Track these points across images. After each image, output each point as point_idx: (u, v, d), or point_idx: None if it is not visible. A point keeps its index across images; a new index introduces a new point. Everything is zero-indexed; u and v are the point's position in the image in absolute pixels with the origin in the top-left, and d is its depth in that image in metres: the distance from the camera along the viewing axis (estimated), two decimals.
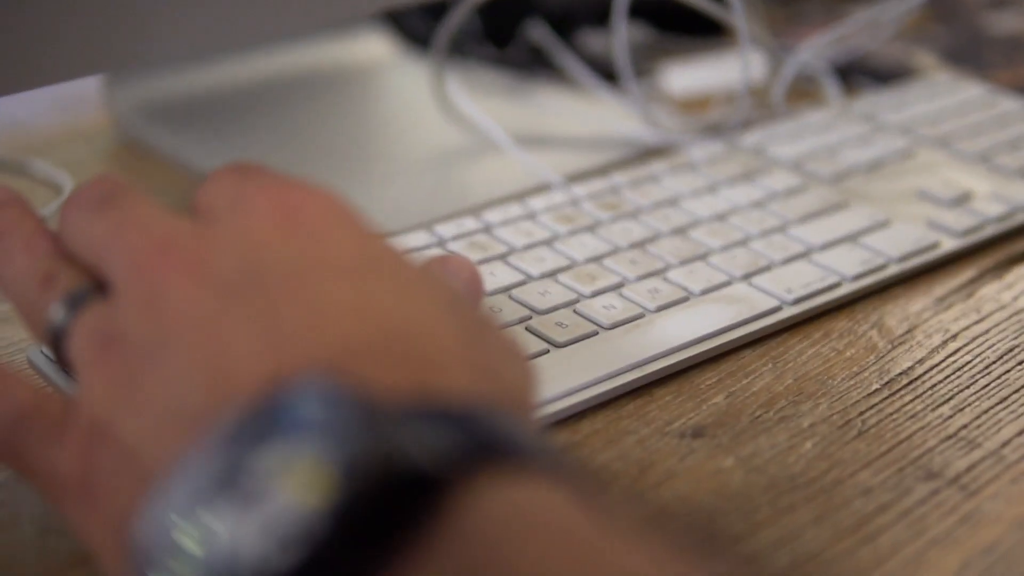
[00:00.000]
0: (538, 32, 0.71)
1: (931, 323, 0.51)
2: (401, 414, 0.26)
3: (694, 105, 0.70)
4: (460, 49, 0.73)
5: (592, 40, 0.75)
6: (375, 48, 0.75)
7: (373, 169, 0.63)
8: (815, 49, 0.70)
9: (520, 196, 0.57)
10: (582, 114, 0.67)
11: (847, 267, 0.52)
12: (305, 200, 0.33)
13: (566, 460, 0.29)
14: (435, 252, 0.51)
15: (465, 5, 0.61)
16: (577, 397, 0.44)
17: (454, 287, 0.34)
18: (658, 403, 0.45)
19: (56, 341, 0.33)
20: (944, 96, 0.69)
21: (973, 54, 0.78)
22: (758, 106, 0.67)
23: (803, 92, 0.71)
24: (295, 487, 0.24)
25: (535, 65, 0.72)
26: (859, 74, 0.75)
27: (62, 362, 0.33)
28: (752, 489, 0.41)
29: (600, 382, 0.45)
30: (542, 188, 0.59)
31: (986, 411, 0.45)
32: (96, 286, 0.33)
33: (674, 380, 0.46)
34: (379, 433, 0.25)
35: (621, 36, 0.63)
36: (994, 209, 0.57)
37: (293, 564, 0.23)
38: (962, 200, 0.58)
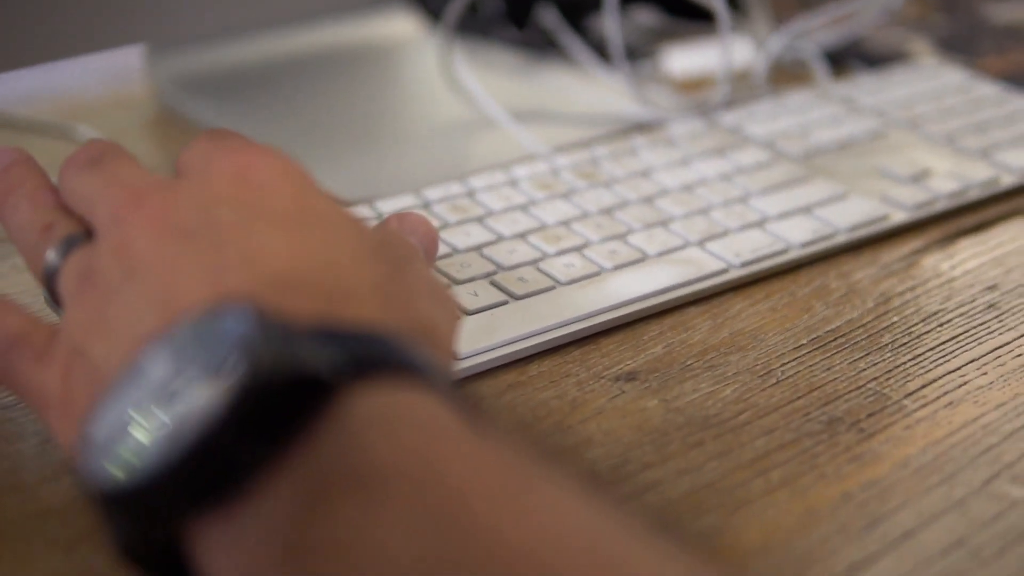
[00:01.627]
0: (549, 16, 0.77)
1: (868, 288, 0.55)
2: (308, 333, 0.32)
3: (693, 85, 0.75)
4: (483, 30, 0.79)
5: (604, 24, 0.80)
6: (400, 26, 0.81)
7: (381, 139, 0.69)
8: (798, 32, 0.75)
9: (507, 165, 0.62)
10: (581, 92, 0.73)
11: (797, 235, 0.57)
12: (259, 161, 0.39)
13: (455, 385, 0.34)
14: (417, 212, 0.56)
15: None
16: (528, 343, 0.50)
17: (381, 236, 0.39)
18: (602, 351, 0.50)
19: (50, 280, 0.39)
20: (924, 81, 0.73)
21: (968, 42, 0.82)
22: (748, 87, 0.72)
23: (795, 74, 0.76)
24: (209, 387, 0.30)
25: (547, 46, 0.77)
26: (853, 57, 0.79)
27: (54, 297, 0.39)
28: (669, 426, 0.46)
29: (550, 330, 0.50)
30: (531, 158, 0.64)
31: (898, 366, 0.50)
32: (87, 233, 0.39)
33: (620, 331, 0.52)
34: (283, 346, 0.31)
35: (614, 19, 0.68)
36: (948, 186, 0.62)
37: (194, 448, 0.29)
38: (919, 177, 0.62)
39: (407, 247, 0.41)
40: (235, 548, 0.29)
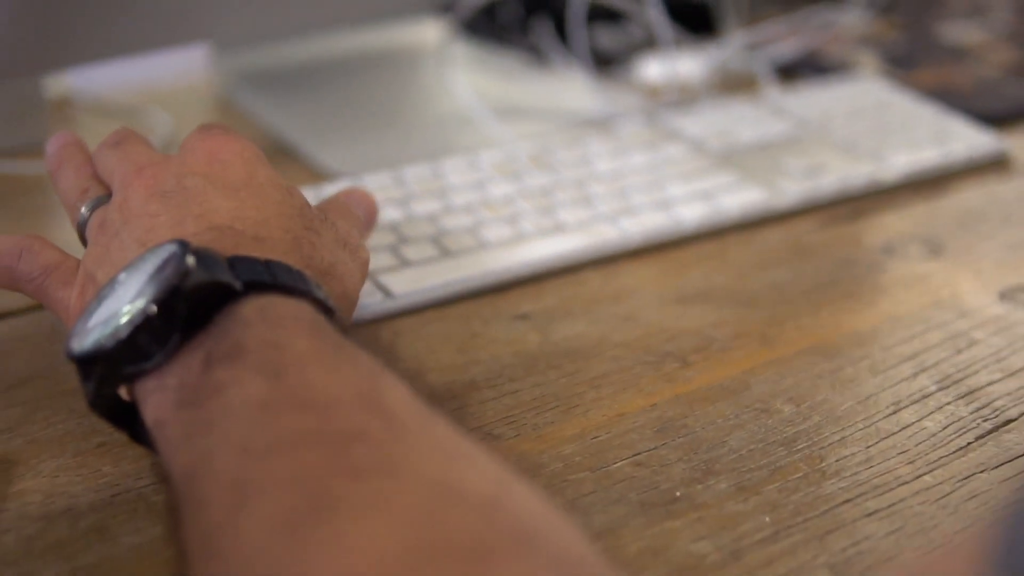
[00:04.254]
0: (544, 26, 0.92)
1: (741, 260, 0.69)
2: (228, 260, 0.48)
3: (658, 90, 0.89)
4: (498, 35, 0.94)
5: (600, 34, 0.94)
6: (427, 33, 0.97)
7: (393, 125, 0.84)
8: (745, 44, 0.89)
9: (480, 152, 0.77)
10: (559, 92, 0.87)
11: (693, 215, 0.72)
12: (225, 146, 0.55)
13: (335, 309, 0.50)
14: (384, 189, 0.72)
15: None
16: (451, 289, 0.65)
17: (303, 202, 0.55)
18: (508, 299, 0.65)
19: (82, 228, 0.56)
20: (851, 92, 0.86)
21: (913, 58, 0.95)
22: (702, 92, 0.86)
23: (749, 82, 0.90)
24: (153, 291, 0.46)
25: (543, 52, 0.93)
26: (808, 68, 0.93)
27: (83, 241, 0.56)
28: (539, 353, 0.61)
29: (471, 280, 0.66)
30: (498, 146, 0.79)
31: (739, 318, 0.64)
32: (109, 195, 0.56)
33: (528, 284, 0.66)
34: (206, 266, 0.46)
35: (581, 32, 0.83)
36: (832, 180, 0.75)
37: (135, 329, 0.45)
38: (811, 173, 0.76)
39: (333, 212, 0.57)
40: (154, 396, 0.45)
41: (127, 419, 0.47)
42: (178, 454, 0.42)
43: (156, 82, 0.90)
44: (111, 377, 0.45)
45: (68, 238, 0.57)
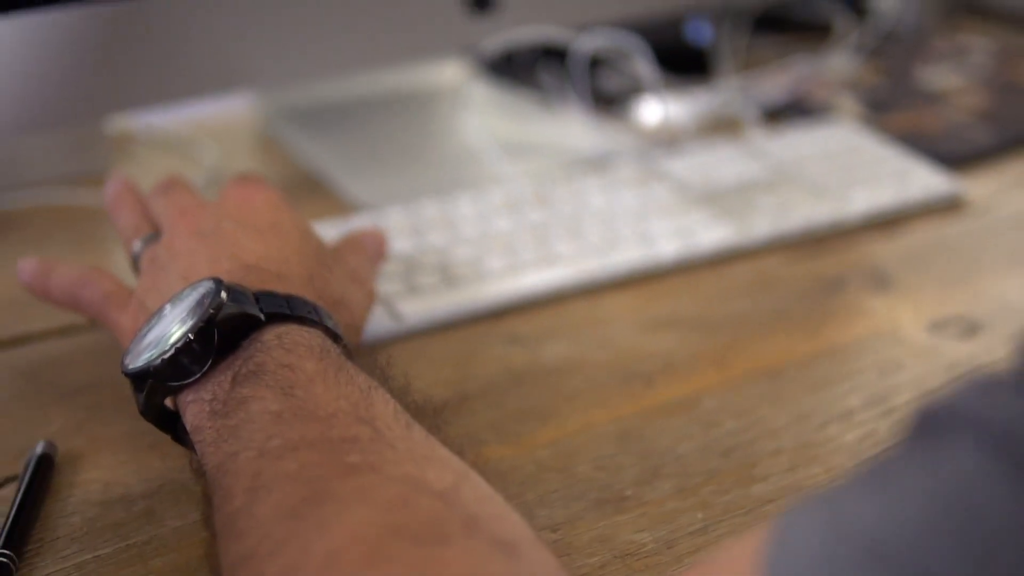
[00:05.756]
0: (552, 69, 1.02)
1: (711, 291, 0.80)
2: (255, 295, 0.59)
3: (654, 131, 0.99)
4: (518, 76, 1.05)
5: (605, 77, 1.04)
6: (454, 74, 1.08)
7: (416, 159, 0.95)
8: (731, 90, 0.99)
9: (486, 187, 0.88)
10: (563, 131, 0.98)
11: (669, 250, 0.82)
12: (255, 194, 0.66)
13: (341, 336, 0.60)
14: (401, 221, 0.83)
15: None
16: (454, 314, 0.75)
17: (320, 243, 0.66)
18: (504, 322, 0.76)
19: (136, 261, 0.67)
20: (825, 135, 0.95)
21: (891, 102, 1.04)
22: (691, 134, 0.96)
23: (736, 125, 1.00)
24: (192, 319, 0.57)
25: (553, 93, 1.03)
26: (794, 111, 1.03)
27: (134, 269, 0.67)
28: (525, 370, 0.70)
29: (472, 307, 0.76)
30: (507, 181, 0.89)
31: (690, 341, 0.74)
32: (158, 234, 0.67)
33: (524, 310, 0.77)
34: (236, 300, 0.57)
35: (583, 76, 0.94)
36: (798, 220, 0.85)
37: (178, 352, 0.56)
38: (780, 212, 0.86)
39: (346, 249, 0.68)
40: (192, 406, 0.55)
41: (171, 424, 0.58)
42: (211, 454, 0.53)
43: (206, 117, 1.01)
44: (158, 390, 0.56)
45: (114, 260, 0.67)
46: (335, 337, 0.58)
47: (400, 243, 0.78)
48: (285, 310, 0.57)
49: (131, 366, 0.56)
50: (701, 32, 1.08)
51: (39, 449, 0.61)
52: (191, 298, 0.57)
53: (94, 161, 0.93)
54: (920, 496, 0.32)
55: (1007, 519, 0.30)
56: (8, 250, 0.83)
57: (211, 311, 0.55)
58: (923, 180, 0.89)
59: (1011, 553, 0.30)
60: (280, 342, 0.55)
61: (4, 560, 0.54)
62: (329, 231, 0.76)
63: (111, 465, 0.62)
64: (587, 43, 0.96)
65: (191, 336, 0.54)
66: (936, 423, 0.34)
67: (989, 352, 0.72)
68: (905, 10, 1.16)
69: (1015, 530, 0.30)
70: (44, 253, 0.77)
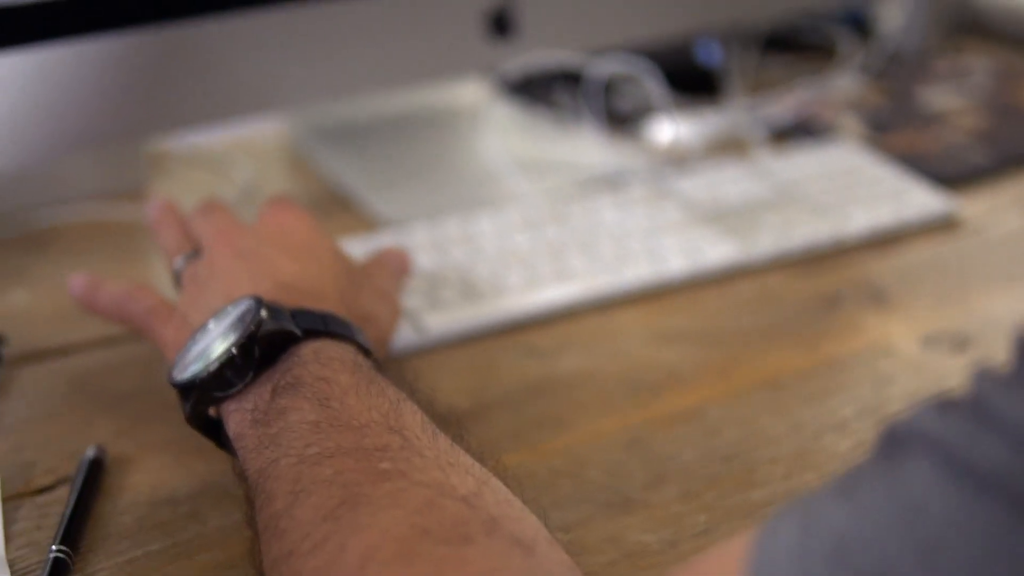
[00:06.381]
0: (569, 88, 1.07)
1: (710, 306, 0.85)
2: (291, 312, 0.64)
3: (665, 150, 1.04)
4: (537, 95, 1.10)
5: (618, 97, 1.09)
6: (474, 94, 1.13)
7: (439, 176, 1.00)
8: (739, 111, 1.04)
9: (505, 204, 0.93)
10: (579, 150, 1.02)
11: (678, 267, 0.87)
12: (290, 217, 0.71)
13: (372, 351, 0.65)
14: (424, 238, 0.88)
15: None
16: (475, 328, 0.80)
17: (351, 263, 0.71)
18: (522, 335, 0.81)
19: (177, 277, 0.72)
20: (827, 156, 0.99)
21: (893, 123, 1.09)
22: (701, 153, 1.01)
23: (744, 145, 1.05)
24: (235, 335, 0.62)
25: (570, 112, 1.08)
26: (800, 132, 1.07)
27: (176, 283, 0.72)
28: (541, 380, 0.75)
29: (492, 320, 0.81)
30: (524, 198, 0.94)
31: (696, 354, 0.79)
32: (198, 251, 0.72)
33: (542, 323, 0.82)
34: (274, 317, 0.62)
35: (598, 96, 0.99)
36: (800, 238, 0.90)
37: (222, 364, 0.61)
38: (783, 231, 0.91)
39: (373, 268, 0.73)
40: (235, 415, 0.61)
41: (214, 431, 0.63)
42: (253, 459, 0.58)
43: (239, 136, 1.06)
44: (203, 400, 0.61)
45: (151, 273, 0.72)
46: (365, 351, 0.63)
47: (423, 259, 0.83)
48: (320, 326, 0.62)
49: (179, 378, 0.61)
50: (711, 53, 1.13)
51: (90, 453, 0.66)
52: (233, 315, 0.62)
53: (132, 177, 0.98)
54: (882, 504, 0.37)
55: (953, 526, 0.35)
56: (51, 264, 0.88)
57: (252, 328, 0.60)
58: (920, 200, 0.94)
59: (955, 552, 0.35)
60: (316, 357, 0.60)
61: (62, 556, 0.60)
62: (356, 247, 0.81)
63: (157, 468, 0.67)
64: (601, 67, 1.01)
65: (234, 351, 0.59)
66: (898, 441, 0.39)
67: (976, 365, 0.76)
68: (908, 31, 1.20)
69: (959, 534, 0.35)
70: (84, 267, 0.82)
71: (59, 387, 0.74)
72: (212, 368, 0.59)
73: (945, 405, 0.38)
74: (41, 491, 0.65)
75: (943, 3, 1.26)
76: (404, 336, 0.77)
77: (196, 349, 0.62)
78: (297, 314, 0.62)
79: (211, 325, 0.62)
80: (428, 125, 1.07)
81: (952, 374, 0.75)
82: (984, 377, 0.38)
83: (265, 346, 0.60)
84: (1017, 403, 0.35)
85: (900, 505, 0.36)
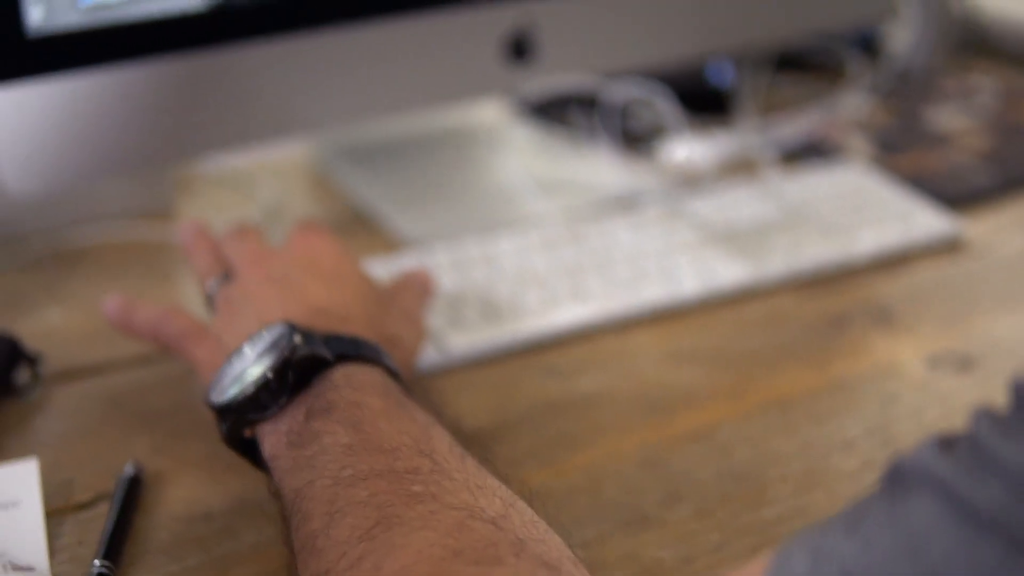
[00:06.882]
0: (585, 110, 1.10)
1: (722, 326, 0.87)
2: (323, 337, 0.67)
3: (679, 170, 1.07)
4: (555, 116, 1.13)
5: (633, 118, 1.12)
6: (492, 113, 1.16)
7: (454, 199, 1.03)
8: (750, 131, 1.07)
9: (525, 225, 0.96)
10: (596, 170, 1.05)
11: (691, 288, 0.90)
12: (319, 242, 0.74)
13: (400, 374, 0.68)
14: (446, 259, 0.91)
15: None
16: (495, 348, 0.84)
17: (377, 286, 0.74)
18: (541, 355, 0.83)
19: (210, 300, 0.76)
20: (835, 177, 1.02)
21: (900, 143, 1.12)
22: (713, 175, 1.04)
23: (754, 165, 1.07)
24: (270, 359, 0.65)
25: (589, 133, 1.11)
26: (810, 152, 1.10)
27: (208, 305, 0.75)
28: (559, 399, 0.78)
29: (511, 340, 0.84)
30: (544, 218, 0.97)
31: (709, 374, 0.82)
32: (229, 275, 0.75)
33: (559, 344, 0.85)
34: (307, 342, 0.65)
35: (614, 118, 1.02)
36: (809, 259, 0.93)
37: (258, 388, 0.64)
38: (793, 252, 0.94)
39: (399, 291, 0.76)
40: (270, 437, 0.63)
41: (250, 451, 0.66)
42: (288, 479, 0.61)
43: (264, 157, 1.09)
44: (240, 422, 0.64)
45: (180, 292, 0.75)
46: (394, 374, 0.66)
47: (445, 279, 0.86)
48: (350, 351, 0.65)
49: (216, 400, 0.64)
50: (722, 74, 1.16)
51: (129, 470, 0.69)
52: (267, 340, 0.64)
53: (159, 197, 1.01)
54: (886, 537, 0.40)
55: (954, 560, 0.38)
56: (83, 283, 0.91)
57: (287, 353, 0.63)
58: (926, 221, 0.96)
59: None
60: (347, 381, 0.63)
61: (105, 571, 0.63)
62: (379, 268, 0.84)
63: (192, 484, 0.70)
64: (616, 89, 1.04)
65: (270, 375, 0.62)
66: (903, 477, 0.42)
67: (981, 385, 0.79)
68: (917, 50, 1.23)
69: (959, 568, 0.38)
70: (116, 286, 0.86)
71: (95, 405, 0.77)
72: (249, 392, 0.62)
73: (947, 443, 0.41)
74: (82, 507, 0.68)
75: (951, 22, 1.28)
76: (427, 356, 0.79)
77: (232, 372, 0.64)
78: (329, 339, 0.64)
79: (246, 349, 0.65)
80: (449, 146, 1.10)
81: (956, 394, 0.78)
82: (984, 418, 0.41)
83: (299, 370, 0.62)
84: (1014, 449, 0.38)
85: (904, 538, 0.39)
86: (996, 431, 0.40)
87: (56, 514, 0.67)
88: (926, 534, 0.39)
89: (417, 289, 0.78)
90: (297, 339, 0.63)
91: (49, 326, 0.85)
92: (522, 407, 0.77)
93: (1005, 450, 0.39)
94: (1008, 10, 1.29)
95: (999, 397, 0.44)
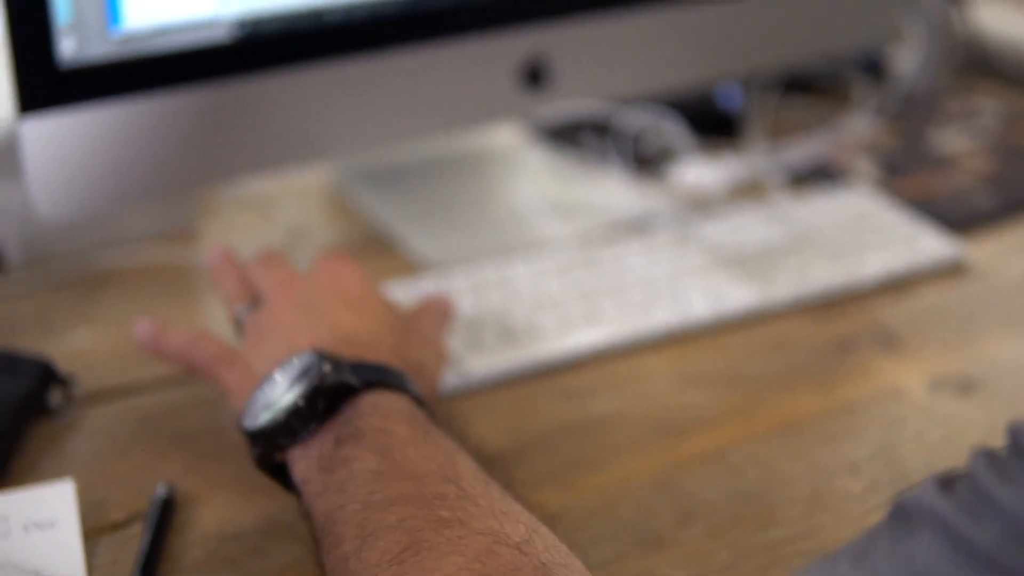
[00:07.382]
0: (598, 134, 1.13)
1: (731, 349, 0.90)
2: (350, 365, 0.69)
3: (689, 193, 1.10)
4: (569, 139, 1.16)
5: (644, 142, 1.15)
6: (507, 138, 1.19)
7: (471, 222, 1.06)
8: (759, 155, 1.09)
9: (539, 249, 0.99)
10: (609, 193, 1.08)
11: (701, 311, 0.92)
12: (344, 270, 0.77)
13: (425, 401, 0.71)
14: (463, 282, 0.94)
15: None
16: (512, 370, 0.86)
17: (399, 313, 0.77)
18: (557, 378, 0.86)
19: (238, 325, 0.78)
20: (840, 200, 1.05)
21: (904, 166, 1.14)
22: (722, 198, 1.07)
23: (763, 188, 1.10)
24: (300, 387, 0.68)
25: (602, 157, 1.14)
26: (818, 175, 1.13)
27: (236, 329, 0.78)
28: (576, 420, 0.81)
29: (528, 363, 0.87)
30: (556, 240, 1.00)
31: (719, 396, 0.85)
32: (258, 300, 0.78)
33: (576, 365, 0.87)
34: (335, 370, 0.68)
35: (626, 142, 1.05)
36: (816, 283, 0.96)
37: (288, 415, 0.67)
38: (800, 275, 0.97)
39: (420, 317, 0.79)
40: (300, 462, 0.66)
41: (280, 474, 0.69)
42: (318, 503, 0.63)
43: (285, 179, 1.12)
44: (271, 447, 0.67)
45: (204, 313, 0.78)
46: (419, 401, 0.69)
47: (463, 303, 0.89)
48: (377, 378, 0.67)
49: (249, 426, 0.67)
50: (731, 98, 1.19)
51: (162, 491, 0.72)
52: (297, 367, 0.67)
53: (182, 219, 1.04)
54: (889, 571, 0.43)
55: None
56: (112, 305, 0.93)
57: (316, 381, 0.65)
58: (930, 245, 0.99)
59: None
60: (375, 409, 0.66)
61: None
62: (398, 291, 0.87)
63: (223, 504, 0.73)
64: (628, 114, 1.06)
65: (300, 403, 0.65)
66: (906, 515, 0.45)
67: (983, 408, 0.82)
68: (922, 72, 1.26)
69: None
70: (143, 308, 0.89)
71: (127, 426, 0.80)
72: (280, 418, 0.65)
73: (947, 482, 0.44)
74: (116, 527, 0.71)
75: (954, 44, 1.31)
76: (448, 379, 0.82)
77: (263, 399, 0.67)
78: (356, 367, 0.67)
79: (277, 376, 0.67)
80: (465, 169, 1.13)
81: (959, 417, 0.81)
82: (982, 459, 0.44)
83: (328, 398, 0.65)
84: (1010, 492, 0.41)
85: (906, 573, 0.42)
86: (993, 473, 0.43)
87: (92, 534, 0.70)
88: (927, 568, 0.42)
89: (437, 314, 0.81)
90: (326, 367, 0.65)
91: (80, 347, 0.88)
92: (538, 429, 0.80)
93: (1002, 493, 0.42)
94: (1011, 32, 1.32)
95: (1001, 420, 0.47)
